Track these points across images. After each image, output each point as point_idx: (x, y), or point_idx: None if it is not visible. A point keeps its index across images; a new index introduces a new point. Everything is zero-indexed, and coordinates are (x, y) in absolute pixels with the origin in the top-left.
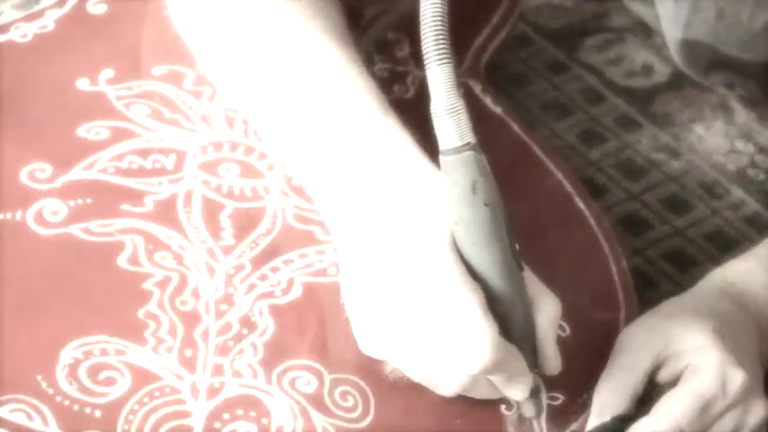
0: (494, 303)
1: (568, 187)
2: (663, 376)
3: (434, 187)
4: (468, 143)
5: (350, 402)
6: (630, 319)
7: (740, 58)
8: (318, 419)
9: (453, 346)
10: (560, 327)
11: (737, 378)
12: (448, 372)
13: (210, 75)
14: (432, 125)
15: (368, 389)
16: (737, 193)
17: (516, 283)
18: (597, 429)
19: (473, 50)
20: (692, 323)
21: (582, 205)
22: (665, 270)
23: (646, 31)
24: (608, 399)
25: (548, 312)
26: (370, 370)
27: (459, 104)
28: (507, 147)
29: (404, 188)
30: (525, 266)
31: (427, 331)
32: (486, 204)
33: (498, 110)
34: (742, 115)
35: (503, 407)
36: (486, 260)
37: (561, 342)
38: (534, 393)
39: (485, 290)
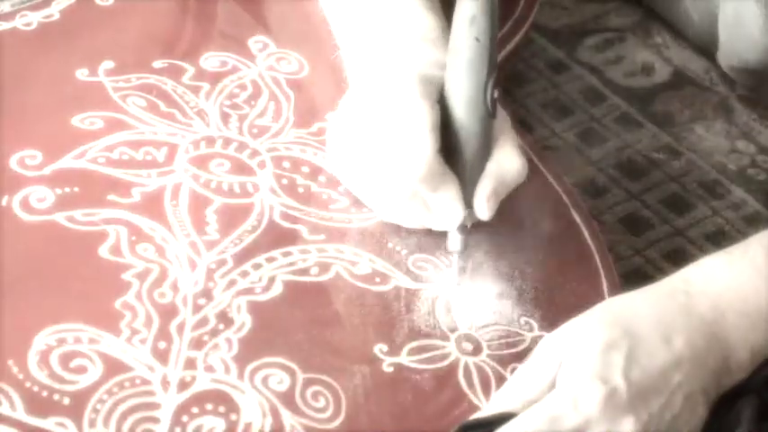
0: (455, 133)
1: (560, 192)
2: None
3: (428, 32)
4: None
5: (321, 403)
6: None
7: None
8: (287, 418)
9: (396, 155)
10: (528, 325)
11: (593, 394)
12: (389, 180)
13: None
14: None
15: (341, 390)
16: (738, 192)
17: (479, 121)
18: (470, 423)
19: None
20: (585, 337)
21: (578, 218)
22: (665, 270)
23: (646, 31)
24: (501, 398)
25: (500, 162)
26: (345, 372)
27: None
28: None
29: (401, 31)
30: (508, 123)
31: (380, 142)
32: (476, 39)
33: None
34: (743, 115)
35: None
36: (458, 89)
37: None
38: (462, 230)
39: (451, 118)
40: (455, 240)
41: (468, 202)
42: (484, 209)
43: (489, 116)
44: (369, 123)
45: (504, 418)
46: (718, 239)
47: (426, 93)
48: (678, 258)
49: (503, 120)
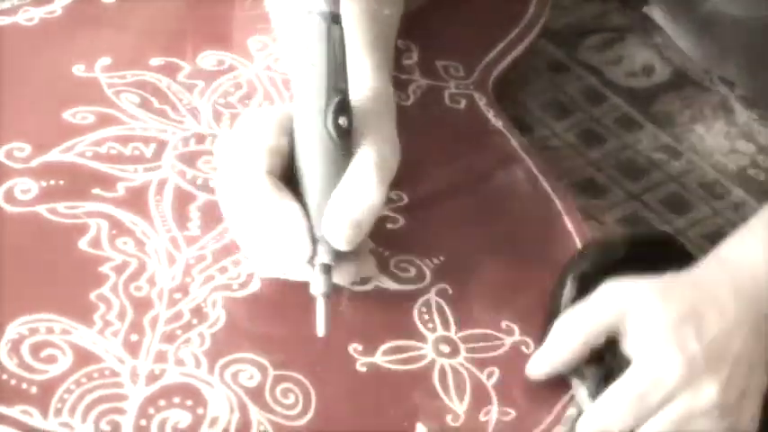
0: (299, 162)
1: (558, 206)
2: (623, 348)
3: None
4: (327, 12)
5: (290, 399)
6: None
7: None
8: (255, 413)
9: (235, 173)
10: (508, 328)
11: (673, 364)
12: (234, 204)
13: None
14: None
15: (311, 388)
16: (738, 193)
17: (320, 146)
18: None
19: (484, 64)
20: (657, 310)
21: (570, 226)
22: None
23: (646, 31)
24: (560, 334)
25: (349, 186)
26: (317, 370)
27: None
28: (503, 162)
29: None
30: (374, 146)
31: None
32: (312, 65)
33: (499, 124)
34: (743, 115)
35: (449, 417)
36: (298, 117)
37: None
38: (324, 269)
39: (295, 149)
40: (316, 281)
41: (318, 237)
42: (334, 235)
43: (333, 142)
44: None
45: None
46: (718, 240)
47: (268, 122)
48: None
49: (371, 143)
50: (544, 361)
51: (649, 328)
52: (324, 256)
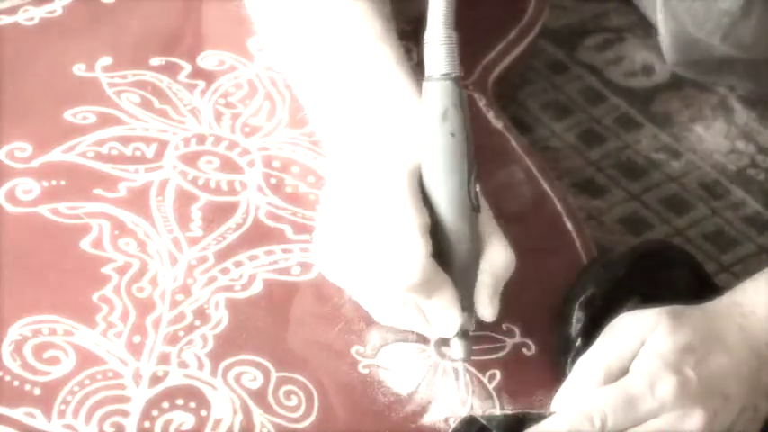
0: (443, 234)
1: (558, 206)
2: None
3: (412, 115)
4: (451, 73)
5: (293, 402)
6: None
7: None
8: (258, 416)
9: (387, 261)
10: (510, 331)
11: (668, 381)
12: (381, 287)
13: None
14: None
15: (314, 390)
16: (738, 193)
17: (466, 219)
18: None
19: (483, 64)
20: (669, 333)
21: (570, 226)
22: None
23: (646, 31)
24: (582, 372)
25: (493, 259)
26: (320, 372)
27: (453, 36)
28: (503, 162)
29: (385, 114)
30: (490, 214)
31: (369, 245)
32: (452, 134)
33: (499, 125)
34: (742, 115)
35: (452, 419)
36: (442, 190)
37: (525, 360)
38: (464, 336)
39: (437, 219)
40: (457, 347)
41: (463, 306)
42: (488, 311)
43: (475, 212)
44: (358, 223)
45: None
46: (718, 240)
47: (415, 192)
48: None
49: (486, 211)
50: (568, 398)
51: (656, 347)
52: (467, 324)
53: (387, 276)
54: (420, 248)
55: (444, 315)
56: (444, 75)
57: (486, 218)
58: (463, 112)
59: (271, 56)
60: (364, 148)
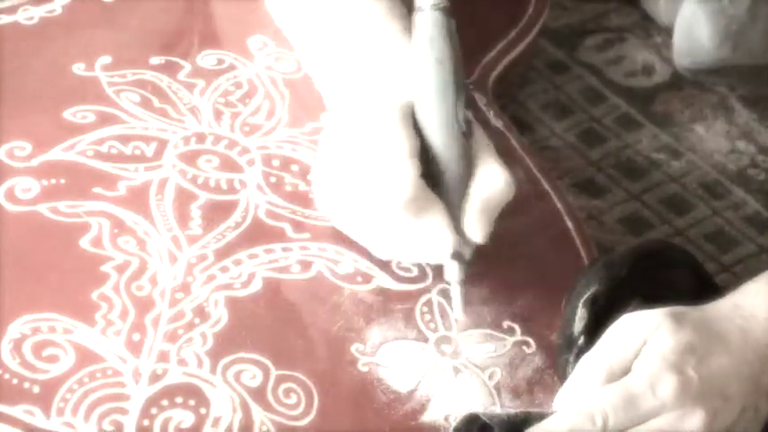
0: (435, 160)
1: (558, 206)
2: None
3: (407, 61)
4: (439, 4)
5: (293, 399)
6: None
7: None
8: (258, 414)
9: (378, 183)
10: (510, 329)
11: (669, 381)
12: (375, 212)
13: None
14: None
15: (313, 388)
16: (738, 193)
17: (455, 142)
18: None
19: (483, 64)
20: (671, 332)
21: (570, 226)
22: None
23: (646, 31)
24: (584, 372)
25: (483, 181)
26: (319, 370)
27: None
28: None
29: (379, 61)
30: (486, 140)
31: (362, 173)
32: (439, 61)
33: (499, 124)
34: (743, 115)
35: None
36: (430, 116)
37: (525, 358)
38: (458, 257)
39: (427, 145)
40: (452, 270)
41: (457, 229)
42: (475, 231)
43: (465, 137)
44: (351, 159)
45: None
46: (718, 240)
47: (406, 122)
48: None
49: (480, 136)
50: (570, 398)
51: (657, 347)
52: (461, 247)
53: (379, 198)
54: (409, 167)
55: (437, 235)
56: (433, 5)
57: (481, 144)
58: (451, 41)
59: (272, 10)
60: (359, 90)
